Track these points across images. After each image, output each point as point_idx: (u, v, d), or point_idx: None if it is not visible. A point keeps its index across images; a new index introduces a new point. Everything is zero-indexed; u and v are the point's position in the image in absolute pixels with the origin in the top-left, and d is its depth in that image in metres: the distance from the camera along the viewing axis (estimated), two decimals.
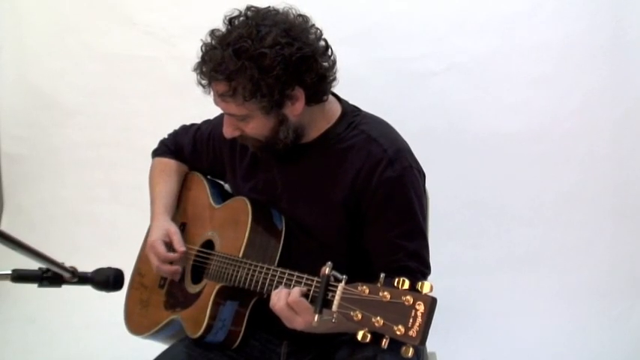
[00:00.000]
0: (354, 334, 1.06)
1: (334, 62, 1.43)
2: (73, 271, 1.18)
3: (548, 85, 2.37)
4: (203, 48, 1.37)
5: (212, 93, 1.39)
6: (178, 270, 1.60)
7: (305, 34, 1.37)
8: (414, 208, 1.42)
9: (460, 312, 2.39)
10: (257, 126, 1.40)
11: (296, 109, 1.39)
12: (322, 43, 1.41)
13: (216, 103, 1.41)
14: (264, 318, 1.34)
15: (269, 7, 1.40)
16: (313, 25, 1.41)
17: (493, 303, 2.44)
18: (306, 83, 1.36)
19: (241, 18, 1.36)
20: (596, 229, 2.42)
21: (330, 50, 1.42)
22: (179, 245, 1.58)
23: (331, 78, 1.43)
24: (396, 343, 1.03)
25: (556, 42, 2.34)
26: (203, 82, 1.38)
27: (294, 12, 1.41)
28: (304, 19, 1.41)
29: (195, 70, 1.39)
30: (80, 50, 2.68)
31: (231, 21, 1.37)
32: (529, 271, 2.44)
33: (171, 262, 1.59)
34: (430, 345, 1.73)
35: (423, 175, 1.51)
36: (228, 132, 1.44)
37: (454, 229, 2.38)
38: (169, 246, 1.60)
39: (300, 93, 1.37)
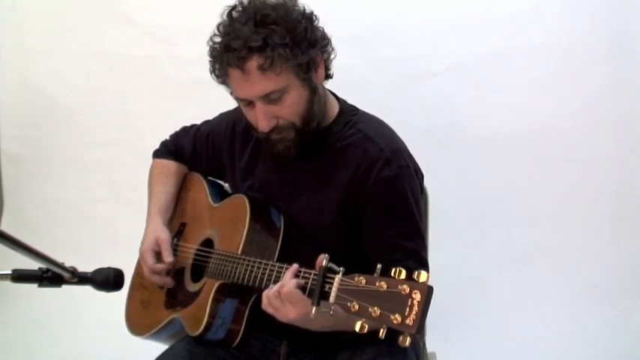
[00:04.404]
0: (354, 334, 1.06)
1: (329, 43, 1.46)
2: (73, 271, 1.18)
3: (548, 85, 2.37)
4: (221, 36, 1.36)
5: (238, 84, 1.36)
6: (168, 282, 1.61)
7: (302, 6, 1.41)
8: (410, 207, 1.41)
9: (460, 312, 2.39)
10: (294, 99, 1.37)
11: (320, 75, 1.41)
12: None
13: (247, 92, 1.36)
14: (264, 317, 1.34)
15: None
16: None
17: (493, 303, 2.44)
18: (320, 48, 1.40)
19: (239, 9, 1.37)
20: (596, 229, 2.41)
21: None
22: (167, 256, 1.59)
23: (330, 52, 1.46)
24: (396, 346, 1.02)
25: (556, 42, 2.34)
26: (231, 68, 1.34)
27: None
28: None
29: (215, 64, 1.38)
30: (80, 50, 2.68)
31: (233, 9, 1.37)
32: (529, 271, 2.43)
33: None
34: (430, 345, 1.74)
35: (421, 175, 1.51)
36: (265, 124, 1.38)
37: (454, 229, 2.38)
38: (159, 255, 1.61)
39: (319, 58, 1.40)
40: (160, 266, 1.59)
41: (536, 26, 2.34)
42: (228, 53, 1.33)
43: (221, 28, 1.37)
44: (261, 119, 1.38)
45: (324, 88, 1.48)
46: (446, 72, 2.40)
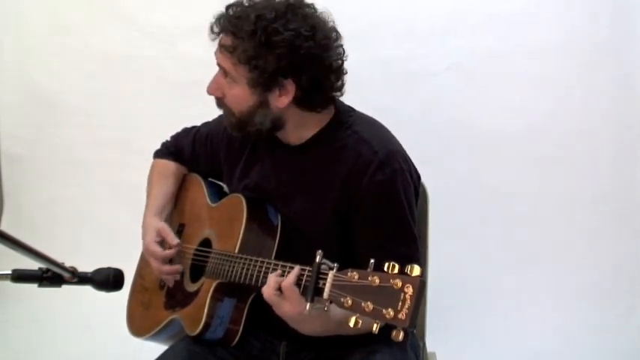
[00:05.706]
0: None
1: (341, 84, 1.43)
2: (73, 271, 1.18)
3: (548, 84, 2.37)
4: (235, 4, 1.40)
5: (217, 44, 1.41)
6: (179, 269, 1.60)
7: (327, 42, 1.38)
8: (403, 212, 1.39)
9: (460, 312, 2.39)
10: (238, 95, 1.40)
11: (281, 101, 1.38)
12: (339, 62, 1.41)
13: (215, 53, 1.42)
14: (264, 318, 1.34)
15: (312, 4, 1.41)
16: (341, 45, 1.42)
17: (493, 303, 2.44)
18: (300, 80, 1.36)
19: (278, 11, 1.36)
20: (596, 228, 2.42)
21: (342, 71, 1.42)
22: (172, 240, 1.58)
23: (328, 92, 1.42)
24: (395, 344, 1.02)
25: (556, 41, 2.34)
26: (215, 29, 1.40)
27: (332, 22, 1.42)
28: (337, 35, 1.42)
29: (214, 17, 1.41)
30: (80, 50, 2.68)
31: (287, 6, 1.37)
32: (529, 271, 2.43)
33: (170, 261, 1.60)
34: (430, 345, 1.74)
35: (417, 177, 1.49)
36: (212, 88, 1.44)
37: (454, 229, 2.37)
38: (164, 244, 1.61)
39: (291, 87, 1.36)
40: (169, 252, 1.58)
41: (536, 26, 2.35)
42: (220, 18, 1.39)
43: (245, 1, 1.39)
44: (211, 82, 1.45)
45: (298, 113, 1.42)
46: (446, 72, 2.40)
